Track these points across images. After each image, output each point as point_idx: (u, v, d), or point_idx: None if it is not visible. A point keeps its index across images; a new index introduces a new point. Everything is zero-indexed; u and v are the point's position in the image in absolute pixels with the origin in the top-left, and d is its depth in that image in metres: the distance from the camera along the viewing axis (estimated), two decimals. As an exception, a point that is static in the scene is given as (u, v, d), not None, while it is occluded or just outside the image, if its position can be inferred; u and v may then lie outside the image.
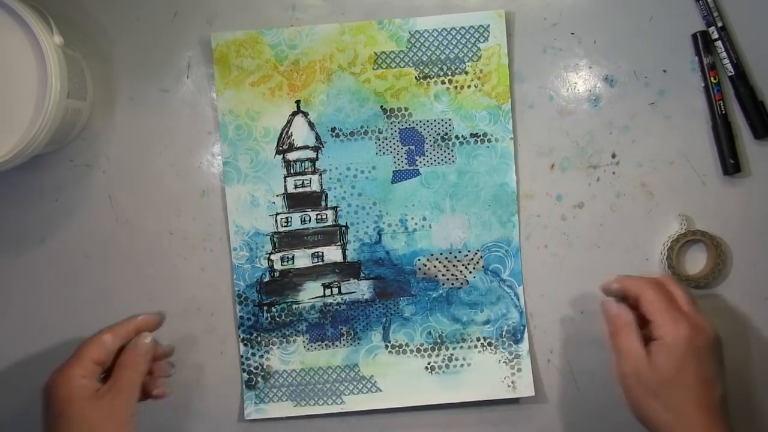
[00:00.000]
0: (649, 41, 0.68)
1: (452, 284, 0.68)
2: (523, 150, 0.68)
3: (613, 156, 0.68)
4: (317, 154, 0.68)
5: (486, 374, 0.68)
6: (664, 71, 0.68)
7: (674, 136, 0.68)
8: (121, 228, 0.68)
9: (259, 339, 0.68)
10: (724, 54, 0.66)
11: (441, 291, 0.68)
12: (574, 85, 0.68)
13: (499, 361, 0.68)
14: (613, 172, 0.68)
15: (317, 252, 0.68)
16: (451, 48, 0.67)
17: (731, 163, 0.67)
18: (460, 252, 0.68)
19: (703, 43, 0.67)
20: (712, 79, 0.67)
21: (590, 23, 0.68)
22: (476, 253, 0.68)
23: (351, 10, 0.68)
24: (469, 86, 0.67)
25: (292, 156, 0.68)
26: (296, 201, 0.68)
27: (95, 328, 0.68)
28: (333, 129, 0.68)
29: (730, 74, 0.67)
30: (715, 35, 0.66)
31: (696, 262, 0.68)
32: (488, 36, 0.67)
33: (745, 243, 0.68)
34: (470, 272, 0.68)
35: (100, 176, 0.68)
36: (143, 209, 0.68)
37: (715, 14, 0.66)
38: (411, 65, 0.67)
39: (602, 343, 0.68)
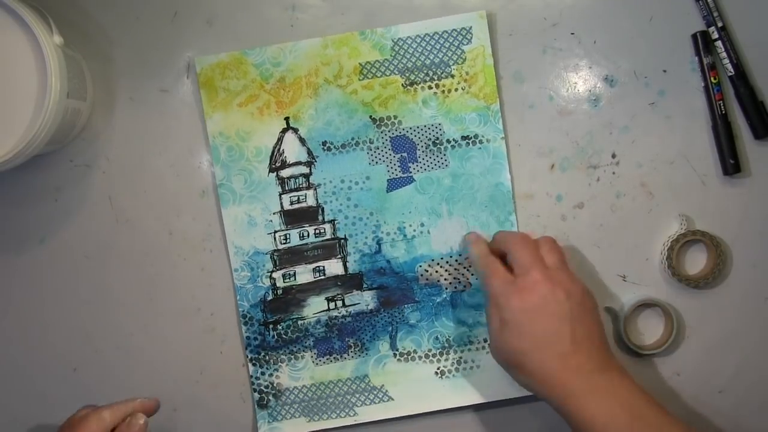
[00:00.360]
0: (649, 41, 0.68)
1: (455, 288, 0.68)
2: (523, 150, 0.68)
3: (613, 156, 0.68)
4: (310, 169, 0.68)
5: (496, 375, 0.67)
6: (664, 71, 0.68)
7: (674, 136, 0.68)
8: (121, 228, 0.68)
9: (267, 358, 0.68)
10: (724, 54, 0.66)
11: (444, 295, 0.68)
12: (574, 85, 0.68)
13: None
14: (613, 173, 0.68)
15: (318, 266, 0.68)
16: (435, 53, 0.67)
17: (731, 163, 0.67)
18: (460, 255, 0.68)
19: (703, 43, 0.67)
20: (712, 79, 0.67)
21: (590, 23, 0.68)
22: None
23: (351, 10, 0.68)
24: (456, 89, 0.67)
25: (285, 173, 0.67)
26: (293, 217, 0.68)
27: (95, 327, 0.68)
28: (324, 143, 0.67)
29: (730, 74, 0.67)
30: (715, 35, 0.66)
31: (696, 262, 0.68)
32: (471, 38, 0.67)
33: (745, 243, 0.68)
34: (472, 274, 0.68)
35: (100, 176, 0.68)
36: (143, 209, 0.68)
37: (715, 14, 0.66)
38: (396, 73, 0.67)
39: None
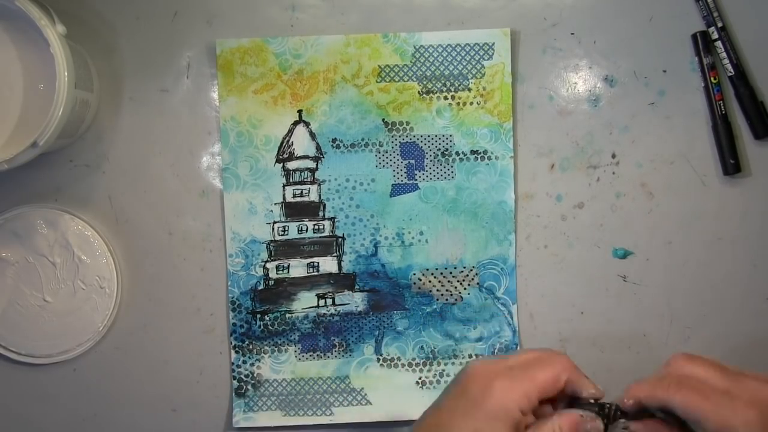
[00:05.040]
0: (649, 41, 0.68)
1: (446, 300, 0.68)
2: (523, 150, 0.68)
3: (613, 156, 0.68)
4: (317, 165, 0.68)
5: None
6: (664, 71, 0.68)
7: (674, 136, 0.68)
8: (121, 228, 0.68)
9: (250, 347, 0.68)
10: (724, 54, 0.66)
11: (435, 306, 0.68)
12: (574, 85, 0.68)
13: None
14: (613, 173, 0.68)
15: (313, 262, 0.68)
16: (455, 64, 0.67)
17: (731, 163, 0.67)
18: (455, 268, 0.68)
19: (703, 44, 0.67)
20: (712, 79, 0.67)
21: (590, 23, 0.68)
22: (471, 270, 0.68)
23: (350, 10, 0.68)
24: (471, 103, 0.67)
25: (291, 165, 0.68)
26: (294, 210, 0.68)
27: (95, 328, 0.67)
28: (334, 140, 0.67)
29: (730, 74, 0.67)
30: (715, 35, 0.66)
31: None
32: (492, 54, 0.67)
33: (745, 243, 0.68)
34: (465, 288, 0.68)
35: (100, 176, 0.68)
36: (143, 209, 0.68)
37: (715, 14, 0.66)
38: (414, 80, 0.67)
39: (602, 344, 0.68)
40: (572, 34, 0.68)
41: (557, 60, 0.68)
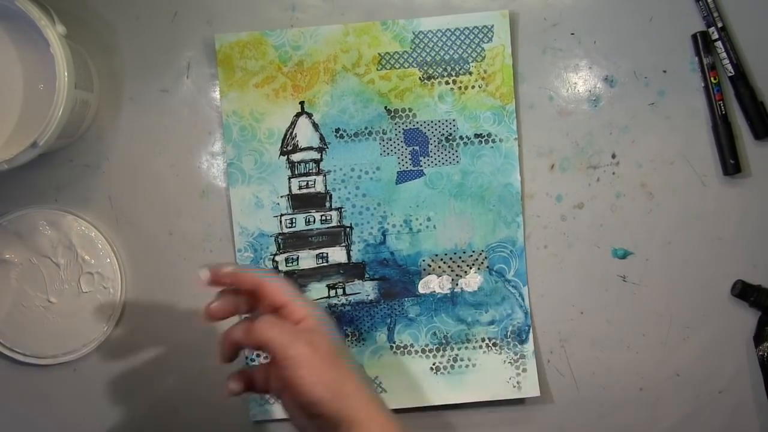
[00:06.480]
0: (649, 41, 0.68)
1: (457, 284, 0.68)
2: (523, 150, 0.68)
3: (613, 156, 0.68)
4: (321, 155, 0.68)
5: (491, 375, 0.68)
6: (664, 71, 0.68)
7: (674, 137, 0.68)
8: (121, 228, 0.68)
9: None
10: (724, 54, 0.66)
11: (446, 291, 0.68)
12: (574, 85, 0.68)
13: (504, 361, 0.68)
14: (613, 173, 0.68)
15: (322, 253, 0.68)
16: (455, 48, 0.67)
17: (731, 163, 0.67)
18: (464, 252, 0.68)
19: (703, 44, 0.67)
20: (712, 79, 0.67)
21: (590, 23, 0.68)
22: (481, 254, 0.68)
23: (351, 10, 0.68)
24: (473, 87, 0.67)
25: (296, 157, 0.68)
26: (301, 202, 0.68)
27: (95, 328, 0.67)
28: (337, 130, 0.68)
29: (730, 75, 0.67)
30: (715, 36, 0.66)
31: None
32: (492, 36, 0.67)
33: (745, 243, 0.68)
34: (475, 272, 0.68)
35: (100, 176, 0.68)
36: (143, 209, 0.68)
37: (715, 14, 0.66)
38: (415, 66, 0.67)
39: (602, 344, 0.68)
40: (572, 34, 0.68)
41: (557, 60, 0.68)
